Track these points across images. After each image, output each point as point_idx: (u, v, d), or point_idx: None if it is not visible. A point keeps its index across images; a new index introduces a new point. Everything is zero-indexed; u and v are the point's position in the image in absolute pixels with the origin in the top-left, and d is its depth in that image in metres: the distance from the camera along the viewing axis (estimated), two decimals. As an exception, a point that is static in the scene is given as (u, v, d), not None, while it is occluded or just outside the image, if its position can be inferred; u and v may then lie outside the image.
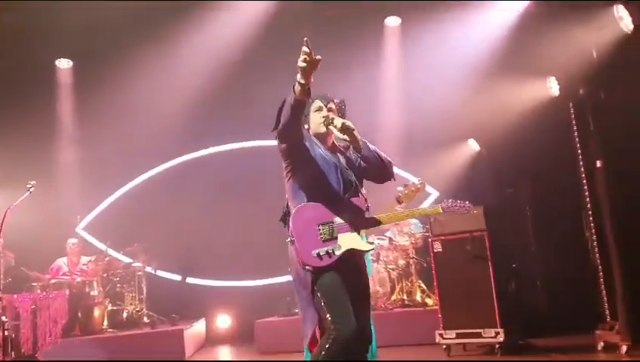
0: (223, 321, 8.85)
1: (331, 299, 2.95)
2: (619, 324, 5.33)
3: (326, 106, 3.26)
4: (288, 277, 4.72)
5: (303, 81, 2.79)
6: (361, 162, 3.23)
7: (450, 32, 7.64)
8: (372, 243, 3.18)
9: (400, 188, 4.21)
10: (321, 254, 2.99)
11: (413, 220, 7.81)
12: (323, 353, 2.86)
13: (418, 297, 7.07)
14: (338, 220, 3.07)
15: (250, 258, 8.61)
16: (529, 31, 7.00)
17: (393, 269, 7.33)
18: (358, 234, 3.09)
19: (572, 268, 6.64)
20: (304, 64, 2.73)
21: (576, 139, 5.93)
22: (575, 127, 5.96)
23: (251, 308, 8.29)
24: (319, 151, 3.20)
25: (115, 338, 7.19)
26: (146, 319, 7.90)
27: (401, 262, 7.32)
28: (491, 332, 5.42)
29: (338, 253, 3.01)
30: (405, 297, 7.14)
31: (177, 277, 9.25)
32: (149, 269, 8.34)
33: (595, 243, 5.85)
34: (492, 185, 7.93)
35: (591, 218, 5.85)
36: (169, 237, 8.70)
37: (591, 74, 5.78)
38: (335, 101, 3.33)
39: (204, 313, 8.81)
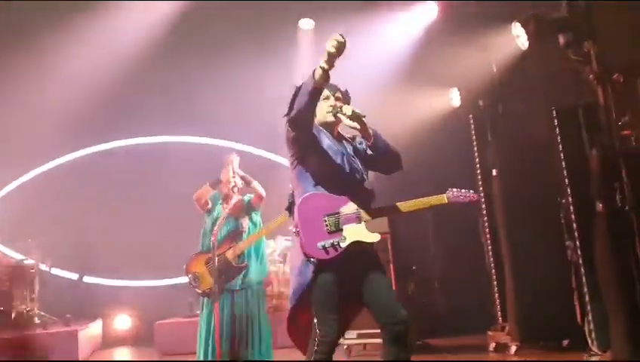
0: (122, 322, 8.52)
1: (320, 305, 2.92)
2: (509, 325, 5.65)
3: (333, 95, 3.19)
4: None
5: (326, 67, 2.77)
6: (369, 151, 3.17)
7: (360, 39, 7.78)
8: (376, 233, 3.04)
9: None
10: (326, 247, 2.92)
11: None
12: (312, 356, 2.89)
13: (322, 299, 7.11)
14: (344, 211, 2.99)
15: (152, 257, 8.35)
16: (435, 43, 7.26)
17: (299, 270, 7.33)
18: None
19: (469, 271, 6.96)
20: (334, 50, 2.71)
21: (475, 148, 6.24)
22: (474, 137, 6.28)
23: (152, 308, 8.06)
24: (326, 140, 3.12)
25: (1, 340, 6.73)
26: (37, 319, 7.46)
27: (308, 264, 7.34)
28: (391, 332, 5.56)
29: (343, 245, 2.94)
30: (310, 298, 7.17)
31: (74, 276, 8.81)
32: (43, 267, 7.89)
33: (489, 248, 6.17)
34: (397, 189, 8.14)
35: (486, 224, 6.17)
36: (66, 233, 8.27)
37: (490, 87, 6.10)
38: (341, 90, 3.26)
39: (102, 313, 8.44)
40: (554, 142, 4.85)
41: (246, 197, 4.67)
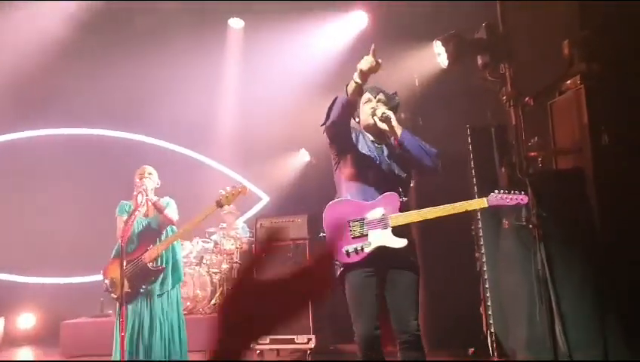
0: (26, 320, 8.11)
1: (352, 301, 3.01)
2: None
3: (375, 98, 3.25)
4: (101, 278, 4.49)
5: (359, 81, 2.92)
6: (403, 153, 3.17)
7: (289, 42, 7.81)
8: (403, 239, 3.02)
9: (221, 191, 4.20)
10: (349, 251, 2.98)
11: (241, 224, 7.83)
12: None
13: (239, 301, 7.05)
14: (370, 216, 3.03)
15: (61, 254, 8.03)
16: (363, 53, 7.36)
17: (216, 273, 7.26)
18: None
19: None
20: (366, 69, 2.87)
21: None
22: (394, 148, 6.40)
23: (58, 307, 7.74)
24: (366, 144, 3.19)
25: None
26: None
27: (225, 266, 7.29)
28: (304, 338, 5.60)
29: (367, 250, 2.98)
30: (225, 301, 7.09)
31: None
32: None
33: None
34: (318, 195, 8.20)
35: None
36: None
37: (412, 100, 6.26)
38: (385, 92, 3.31)
39: (4, 311, 7.99)
40: (468, 157, 5.03)
41: (163, 201, 4.50)
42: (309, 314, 5.57)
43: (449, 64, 3.88)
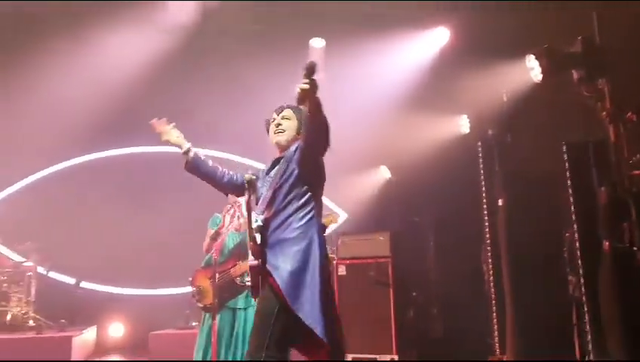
0: (116, 330, 8.46)
1: None
2: (507, 357, 5.58)
3: (278, 115, 3.32)
4: (189, 289, 4.62)
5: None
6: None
7: (371, 61, 7.81)
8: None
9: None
10: None
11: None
12: None
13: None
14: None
15: (150, 266, 8.33)
16: (447, 69, 7.27)
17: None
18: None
19: (469, 298, 6.90)
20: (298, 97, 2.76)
21: (482, 176, 6.22)
22: (481, 165, 6.26)
23: (146, 318, 8.01)
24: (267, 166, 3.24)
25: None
26: (31, 322, 7.40)
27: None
28: (387, 357, 5.51)
29: None
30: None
31: (71, 281, 8.75)
32: (41, 270, 7.85)
33: (491, 278, 6.11)
34: (399, 213, 8.13)
35: (489, 253, 6.12)
36: (66, 237, 8.24)
37: (500, 116, 6.10)
38: (283, 105, 3.37)
39: (97, 320, 8.38)
40: (561, 175, 4.82)
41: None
42: (392, 333, 5.49)
43: (543, 78, 3.76)
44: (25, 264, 7.74)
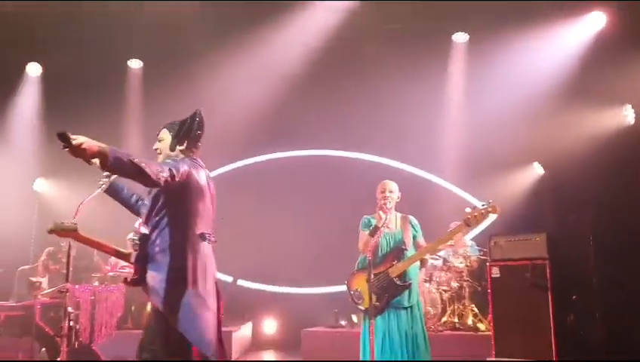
0: (270, 326, 8.88)
1: None
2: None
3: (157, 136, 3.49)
4: (338, 288, 4.71)
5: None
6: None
7: (518, 52, 7.49)
8: None
9: (468, 210, 4.10)
10: None
11: (470, 241, 7.64)
12: None
13: (470, 321, 6.87)
14: None
15: (301, 265, 8.63)
16: (604, 56, 6.78)
17: (445, 291, 7.18)
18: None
19: (634, 303, 6.36)
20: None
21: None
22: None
23: (297, 315, 8.33)
24: None
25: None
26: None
27: (455, 284, 7.16)
28: (544, 363, 5.24)
29: None
30: (456, 320, 6.97)
31: (228, 279, 9.32)
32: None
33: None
34: (555, 211, 7.69)
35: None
36: (226, 238, 8.74)
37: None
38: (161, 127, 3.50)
39: (252, 317, 8.86)
40: None
41: (411, 220, 4.57)
42: (551, 338, 5.21)
43: None
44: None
